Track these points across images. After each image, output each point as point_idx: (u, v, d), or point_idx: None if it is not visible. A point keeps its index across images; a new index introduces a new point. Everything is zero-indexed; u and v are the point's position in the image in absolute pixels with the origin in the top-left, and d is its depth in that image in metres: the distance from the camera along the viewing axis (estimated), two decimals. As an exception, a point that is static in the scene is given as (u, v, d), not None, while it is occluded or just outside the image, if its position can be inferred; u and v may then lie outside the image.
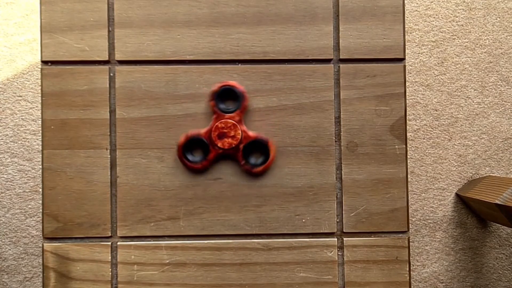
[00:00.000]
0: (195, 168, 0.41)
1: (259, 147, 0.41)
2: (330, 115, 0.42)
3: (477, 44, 0.98)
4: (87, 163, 0.41)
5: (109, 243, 0.41)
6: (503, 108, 0.98)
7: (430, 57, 0.98)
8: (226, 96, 0.41)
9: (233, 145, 0.40)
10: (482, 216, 0.93)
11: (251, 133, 0.41)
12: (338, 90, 0.42)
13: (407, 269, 0.42)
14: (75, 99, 0.41)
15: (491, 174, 0.97)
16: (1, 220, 0.93)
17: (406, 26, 0.97)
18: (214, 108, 0.40)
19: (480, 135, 0.98)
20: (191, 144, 0.41)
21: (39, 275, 0.93)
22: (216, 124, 0.40)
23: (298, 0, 0.42)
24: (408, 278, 0.42)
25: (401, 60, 0.42)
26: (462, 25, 0.98)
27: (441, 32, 0.98)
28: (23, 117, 0.93)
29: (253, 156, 0.41)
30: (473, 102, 0.98)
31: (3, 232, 0.93)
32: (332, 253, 0.42)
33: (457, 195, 0.97)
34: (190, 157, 0.41)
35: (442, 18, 0.98)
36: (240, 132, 0.40)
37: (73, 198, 0.41)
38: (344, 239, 0.42)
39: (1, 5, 0.94)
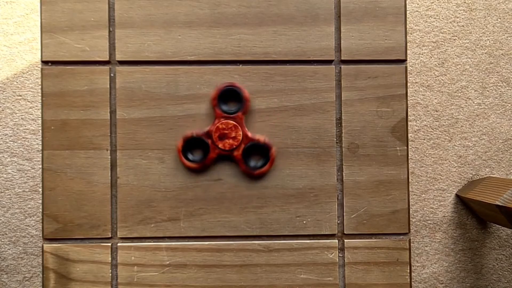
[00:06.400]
0: (194, 168, 0.40)
1: (260, 149, 0.41)
2: (331, 116, 0.42)
3: (477, 45, 0.98)
4: (87, 164, 0.41)
5: (109, 244, 0.41)
6: (503, 109, 0.98)
7: (431, 57, 0.98)
8: (229, 97, 0.41)
9: (234, 146, 0.40)
10: (482, 217, 0.93)
11: (251, 135, 0.40)
12: (340, 91, 0.42)
13: (408, 271, 0.42)
14: (76, 100, 0.41)
15: (491, 175, 0.97)
16: (1, 219, 0.92)
17: (407, 27, 0.96)
18: (216, 108, 0.40)
19: (480, 136, 0.98)
20: (190, 144, 0.41)
21: (39, 275, 0.92)
22: (217, 125, 0.40)
23: (299, 1, 0.42)
24: (408, 280, 0.42)
25: (403, 61, 0.42)
26: (463, 26, 0.98)
27: (442, 33, 0.98)
28: (23, 117, 0.93)
29: (253, 159, 0.41)
30: (473, 103, 0.98)
31: (3, 231, 0.92)
32: (332, 254, 0.41)
33: (457, 196, 0.97)
34: (190, 157, 0.41)
35: (442, 18, 0.98)
36: (241, 133, 0.40)
37: (73, 199, 0.41)
38: (345, 240, 0.42)
39: (1, 4, 0.94)
